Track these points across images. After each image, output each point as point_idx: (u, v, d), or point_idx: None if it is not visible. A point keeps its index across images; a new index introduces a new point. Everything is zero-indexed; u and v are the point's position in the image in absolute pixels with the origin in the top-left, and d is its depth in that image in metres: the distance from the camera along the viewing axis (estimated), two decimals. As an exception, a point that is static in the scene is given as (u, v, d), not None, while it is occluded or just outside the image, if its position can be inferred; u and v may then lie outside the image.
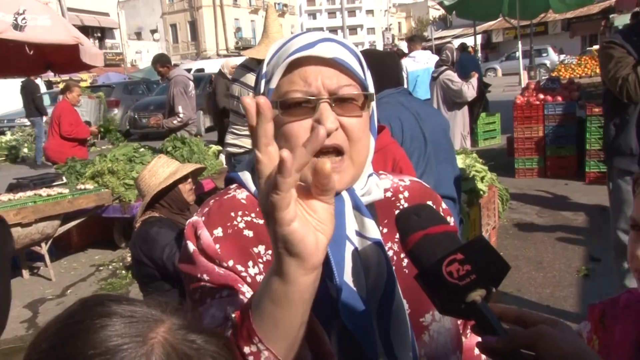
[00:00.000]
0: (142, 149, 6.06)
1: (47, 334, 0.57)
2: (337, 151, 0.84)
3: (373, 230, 0.85)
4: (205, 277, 0.84)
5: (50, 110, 14.86)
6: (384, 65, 2.46)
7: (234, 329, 0.68)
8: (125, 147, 6.06)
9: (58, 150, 6.83)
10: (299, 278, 0.61)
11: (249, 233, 0.87)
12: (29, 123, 14.25)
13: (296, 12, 64.40)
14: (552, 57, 27.99)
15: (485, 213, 4.37)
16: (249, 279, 0.83)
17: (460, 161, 4.76)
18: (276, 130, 0.82)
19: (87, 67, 6.34)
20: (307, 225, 0.60)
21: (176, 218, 2.70)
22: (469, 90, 6.33)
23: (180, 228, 2.58)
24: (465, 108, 6.67)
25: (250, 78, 3.81)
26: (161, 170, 2.74)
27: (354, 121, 0.85)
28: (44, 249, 5.11)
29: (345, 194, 0.87)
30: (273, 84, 0.85)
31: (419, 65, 7.29)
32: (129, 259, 5.10)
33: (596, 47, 19.31)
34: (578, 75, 8.84)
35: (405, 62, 7.21)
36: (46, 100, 17.78)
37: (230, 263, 0.84)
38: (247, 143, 3.89)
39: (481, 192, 4.41)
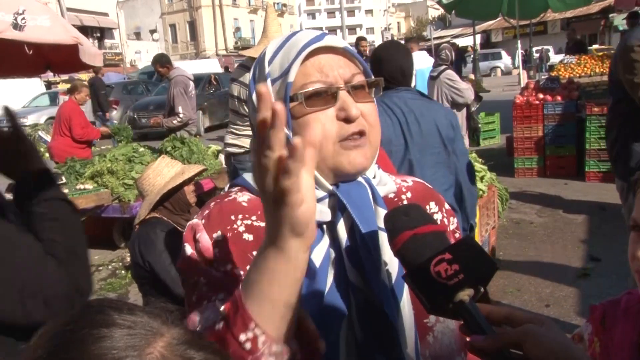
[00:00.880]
0: (141, 149, 6.07)
1: (45, 339, 0.56)
2: (360, 134, 0.87)
3: None
4: (202, 279, 0.85)
5: (50, 110, 14.87)
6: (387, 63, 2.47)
7: (225, 321, 0.68)
8: (124, 147, 6.07)
9: (65, 150, 6.81)
10: (300, 255, 0.65)
11: (248, 237, 0.87)
12: (29, 123, 14.23)
13: (295, 11, 64.39)
14: (505, 60, 28.54)
15: (485, 213, 4.37)
16: None
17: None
18: (296, 120, 0.86)
19: (86, 67, 6.33)
20: (311, 205, 0.63)
21: (176, 219, 2.70)
22: (471, 92, 6.39)
23: (180, 231, 2.58)
24: (465, 109, 6.68)
25: (248, 77, 3.79)
26: (166, 170, 2.73)
27: (370, 106, 0.90)
28: (43, 249, 5.11)
29: (365, 184, 0.88)
30: (291, 78, 0.85)
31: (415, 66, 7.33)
32: (128, 259, 5.10)
33: (596, 46, 19.30)
34: (577, 75, 8.82)
35: None
36: (45, 101, 17.82)
37: (228, 267, 0.84)
38: (247, 143, 3.88)
39: (481, 192, 4.41)
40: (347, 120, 0.84)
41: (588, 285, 4.03)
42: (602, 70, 8.48)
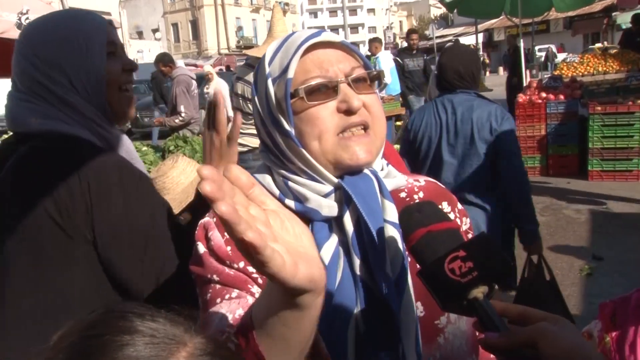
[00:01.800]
0: (144, 148, 6.07)
1: (66, 343, 0.55)
2: (363, 127, 0.87)
3: (393, 215, 0.85)
4: (215, 277, 0.85)
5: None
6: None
7: (237, 349, 0.64)
8: (127, 146, 6.07)
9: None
10: (313, 303, 0.58)
11: None
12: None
13: (297, 10, 64.37)
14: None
15: (487, 211, 4.37)
16: (260, 280, 0.84)
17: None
18: (298, 115, 0.86)
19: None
20: (310, 263, 0.55)
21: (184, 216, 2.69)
22: None
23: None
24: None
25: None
26: (189, 169, 2.73)
27: (372, 97, 0.90)
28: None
29: (371, 176, 0.88)
30: (290, 74, 0.86)
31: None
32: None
33: (599, 45, 19.23)
34: (580, 74, 8.79)
35: None
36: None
37: (242, 265, 0.84)
38: (250, 142, 3.90)
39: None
40: (349, 112, 0.85)
41: (591, 284, 4.03)
42: (604, 69, 8.46)
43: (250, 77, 3.84)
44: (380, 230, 0.83)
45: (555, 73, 9.57)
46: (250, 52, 4.16)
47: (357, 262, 0.83)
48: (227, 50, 45.48)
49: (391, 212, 0.85)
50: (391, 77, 8.23)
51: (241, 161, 3.98)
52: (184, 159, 2.80)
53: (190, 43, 51.59)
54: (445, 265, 0.64)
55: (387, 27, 63.10)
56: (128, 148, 1.31)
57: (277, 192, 0.90)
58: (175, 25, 52.21)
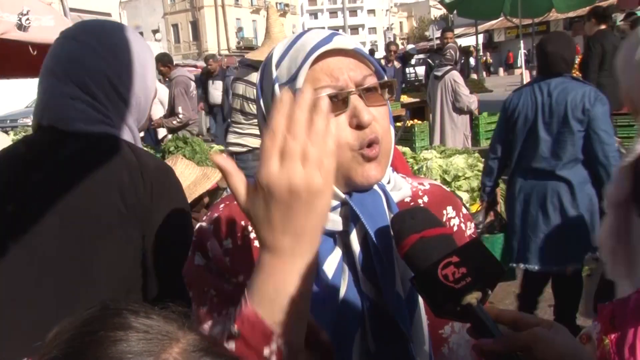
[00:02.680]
0: (144, 149, 6.07)
1: (61, 339, 0.56)
2: (374, 142, 0.83)
3: None
4: (212, 292, 0.83)
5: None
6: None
7: (242, 339, 0.65)
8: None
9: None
10: (312, 256, 0.66)
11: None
12: (31, 123, 14.25)
13: (297, 11, 64.40)
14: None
15: (487, 213, 4.37)
16: None
17: (462, 160, 4.76)
18: None
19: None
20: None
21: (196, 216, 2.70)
22: (473, 103, 6.43)
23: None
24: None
25: (254, 76, 3.82)
26: (187, 172, 2.72)
27: (382, 110, 0.86)
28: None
29: (380, 192, 0.85)
30: (299, 84, 0.81)
31: None
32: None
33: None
34: (580, 74, 8.80)
35: None
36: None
37: (241, 278, 0.82)
38: (249, 142, 3.90)
39: (483, 192, 4.41)
40: (360, 126, 0.81)
41: (590, 285, 4.01)
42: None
43: (251, 77, 3.84)
44: (389, 249, 0.80)
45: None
46: (251, 56, 4.16)
47: (362, 278, 0.82)
48: (227, 51, 45.48)
49: None
50: None
51: (240, 161, 3.98)
52: (183, 162, 2.80)
53: (190, 44, 51.61)
54: (438, 271, 0.64)
55: (388, 28, 63.16)
56: None
57: None
58: (175, 26, 52.25)
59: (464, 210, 1.01)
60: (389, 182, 0.89)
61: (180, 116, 6.16)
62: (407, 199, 0.93)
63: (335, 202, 0.83)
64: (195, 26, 51.15)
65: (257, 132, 3.84)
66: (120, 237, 1.15)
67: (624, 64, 1.45)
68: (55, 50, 1.25)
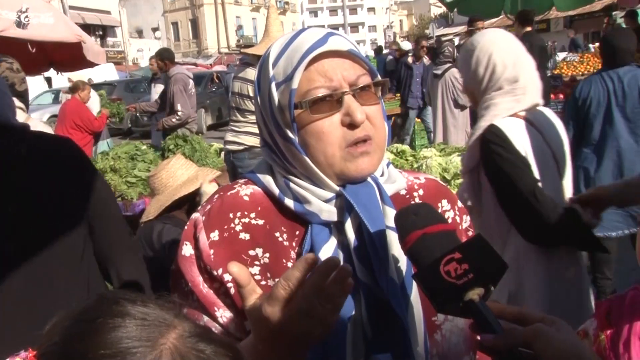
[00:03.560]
0: (144, 147, 6.06)
1: (61, 326, 0.58)
2: (367, 139, 0.87)
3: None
4: (194, 296, 0.87)
5: (52, 108, 14.88)
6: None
7: None
8: (127, 145, 6.06)
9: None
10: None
11: (245, 236, 0.87)
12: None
13: (297, 9, 64.36)
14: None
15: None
16: (232, 290, 0.85)
17: (463, 159, 4.75)
18: (302, 128, 0.86)
19: (90, 65, 6.35)
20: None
21: (183, 217, 2.68)
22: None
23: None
24: (468, 108, 6.68)
25: (250, 73, 3.84)
26: (180, 173, 2.70)
27: (375, 108, 0.89)
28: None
29: (372, 184, 0.89)
30: (294, 85, 0.85)
31: None
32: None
33: (598, 44, 19.16)
34: (580, 73, 8.81)
35: None
36: (48, 99, 17.81)
37: (220, 271, 0.85)
38: (246, 140, 3.91)
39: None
40: (352, 125, 0.84)
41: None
42: (605, 68, 8.46)
43: (247, 74, 3.85)
44: (383, 236, 0.83)
45: (555, 72, 9.58)
46: (249, 51, 4.19)
47: (358, 266, 0.83)
48: (227, 49, 45.47)
49: (392, 218, 0.85)
50: None
51: (237, 160, 3.99)
52: (178, 162, 2.79)
53: (190, 42, 51.58)
54: (441, 268, 0.64)
55: (387, 26, 63.09)
56: None
57: (276, 191, 0.90)
58: (175, 24, 52.19)
59: (459, 204, 1.03)
60: (382, 175, 0.92)
61: (180, 114, 6.15)
62: (403, 192, 0.96)
63: (330, 194, 0.86)
64: (195, 24, 51.11)
65: (254, 130, 3.86)
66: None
67: (464, 64, 1.91)
68: None
